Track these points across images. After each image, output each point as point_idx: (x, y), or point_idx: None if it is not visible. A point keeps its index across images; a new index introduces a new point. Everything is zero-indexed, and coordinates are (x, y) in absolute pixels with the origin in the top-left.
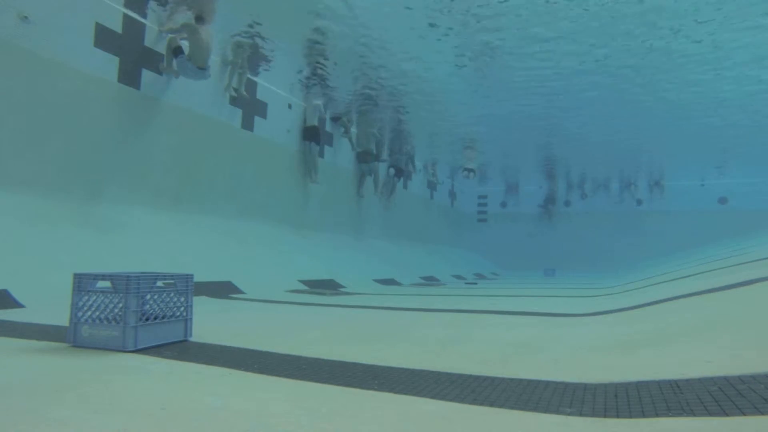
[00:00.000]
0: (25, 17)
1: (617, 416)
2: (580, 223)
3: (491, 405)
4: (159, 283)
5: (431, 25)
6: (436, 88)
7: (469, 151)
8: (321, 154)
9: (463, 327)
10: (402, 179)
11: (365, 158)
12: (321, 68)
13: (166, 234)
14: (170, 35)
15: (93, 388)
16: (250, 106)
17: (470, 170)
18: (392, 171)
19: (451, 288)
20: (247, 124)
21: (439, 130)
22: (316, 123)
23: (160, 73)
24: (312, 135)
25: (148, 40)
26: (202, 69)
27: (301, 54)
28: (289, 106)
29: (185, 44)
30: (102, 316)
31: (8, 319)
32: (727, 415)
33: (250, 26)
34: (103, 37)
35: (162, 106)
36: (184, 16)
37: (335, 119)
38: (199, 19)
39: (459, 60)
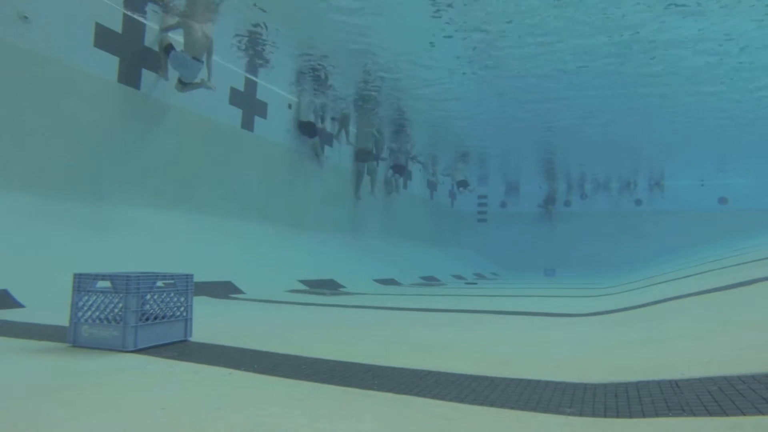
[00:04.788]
0: (25, 17)
1: (617, 416)
2: (580, 223)
3: (491, 405)
4: (159, 283)
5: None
6: (437, 87)
7: (461, 162)
8: (323, 145)
9: (463, 327)
10: (402, 178)
11: (363, 157)
12: (321, 68)
13: (166, 234)
14: (162, 34)
15: (93, 388)
16: (250, 106)
17: (462, 182)
18: (390, 171)
19: (451, 288)
20: (247, 124)
21: (439, 129)
22: (311, 118)
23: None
24: (307, 130)
25: (148, 40)
26: (198, 60)
27: (301, 54)
28: (289, 106)
29: (179, 41)
30: (102, 316)
31: (8, 319)
32: (727, 415)
33: (253, 25)
34: (103, 37)
35: (162, 105)
36: (180, 13)
37: (334, 119)
38: (194, 15)
39: (458, 62)
